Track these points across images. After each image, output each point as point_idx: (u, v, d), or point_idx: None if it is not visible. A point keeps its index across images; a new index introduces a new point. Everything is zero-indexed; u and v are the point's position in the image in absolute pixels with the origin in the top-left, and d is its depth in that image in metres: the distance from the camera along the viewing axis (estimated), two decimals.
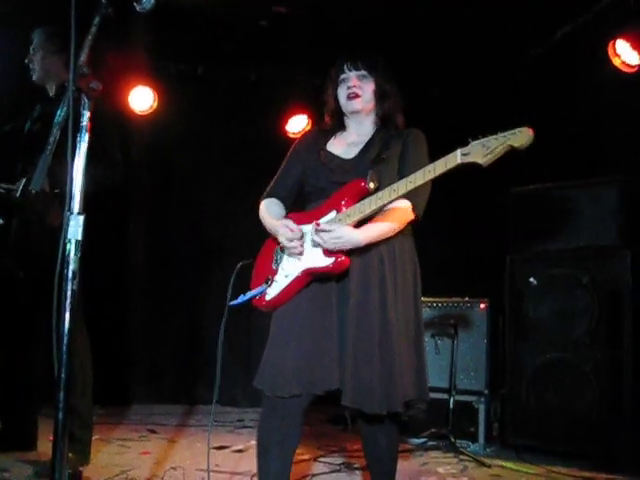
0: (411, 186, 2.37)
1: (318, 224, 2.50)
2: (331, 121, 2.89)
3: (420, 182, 2.35)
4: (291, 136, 6.25)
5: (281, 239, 2.61)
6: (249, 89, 6.34)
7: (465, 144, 2.25)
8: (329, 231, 2.45)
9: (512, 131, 2.18)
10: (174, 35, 5.57)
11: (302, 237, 2.58)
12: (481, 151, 2.21)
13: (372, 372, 2.45)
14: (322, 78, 2.94)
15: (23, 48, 3.81)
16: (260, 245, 2.81)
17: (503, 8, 4.92)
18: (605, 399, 4.02)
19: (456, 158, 2.26)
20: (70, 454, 3.45)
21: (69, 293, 1.89)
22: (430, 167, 2.33)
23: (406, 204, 2.57)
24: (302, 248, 2.57)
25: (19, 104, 3.98)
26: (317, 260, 2.51)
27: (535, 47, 5.45)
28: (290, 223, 2.61)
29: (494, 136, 2.21)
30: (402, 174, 2.53)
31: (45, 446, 3.72)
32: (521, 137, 2.16)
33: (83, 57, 2.01)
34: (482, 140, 2.23)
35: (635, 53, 4.53)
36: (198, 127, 6.35)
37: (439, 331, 4.86)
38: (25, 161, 3.61)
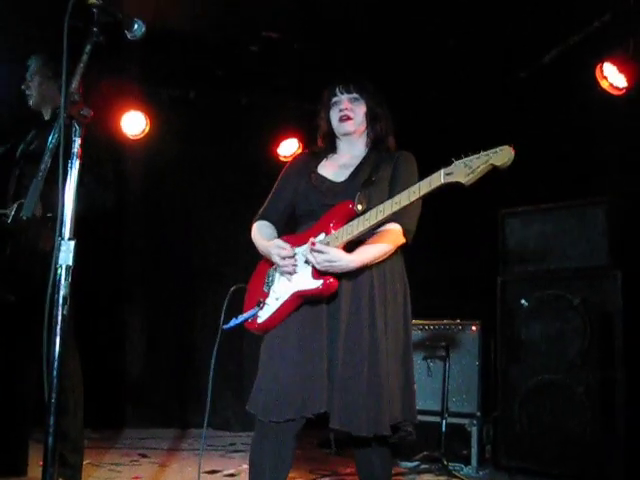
0: (397, 207, 2.37)
1: (314, 243, 2.50)
2: (323, 143, 2.92)
3: (405, 202, 2.35)
4: (282, 159, 6.29)
5: (274, 258, 2.61)
6: (240, 113, 6.38)
7: (449, 164, 2.25)
8: (324, 253, 2.46)
9: (494, 150, 2.17)
10: (166, 60, 5.62)
11: (294, 256, 2.59)
12: (463, 170, 2.20)
13: (359, 395, 2.45)
14: (312, 102, 2.97)
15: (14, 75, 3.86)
16: (253, 268, 2.82)
17: (492, 31, 4.99)
18: (598, 420, 4.02)
19: (440, 178, 2.26)
20: (61, 479, 3.43)
21: (59, 318, 1.89)
22: (415, 187, 2.33)
23: (397, 228, 2.59)
24: (295, 266, 2.57)
25: (15, 130, 4.00)
26: (306, 282, 2.52)
27: (524, 70, 5.51)
28: (282, 242, 2.62)
29: (476, 155, 2.20)
30: (392, 196, 2.55)
31: (36, 471, 3.69)
32: (502, 155, 2.15)
33: (75, 84, 2.03)
34: (464, 159, 2.22)
35: (622, 76, 4.58)
36: (190, 151, 6.38)
37: (431, 353, 4.85)
38: (18, 184, 3.62)
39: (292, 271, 2.57)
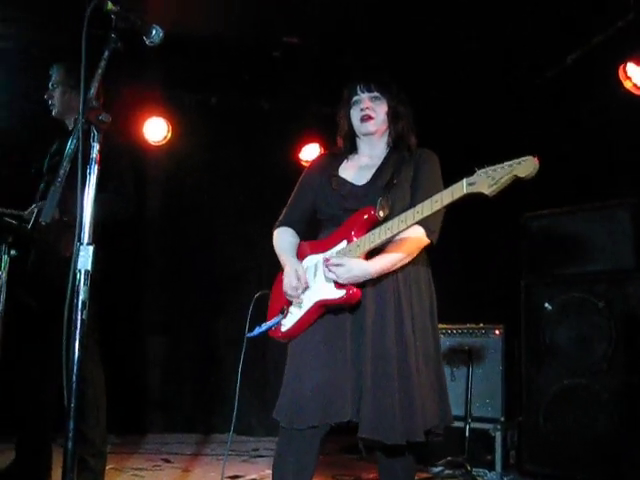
0: (419, 216, 2.34)
1: (328, 260, 2.50)
2: (343, 143, 2.88)
3: (428, 212, 2.32)
4: (304, 164, 6.29)
5: (285, 283, 2.62)
6: (262, 118, 6.39)
7: (472, 172, 2.21)
8: (339, 265, 2.45)
9: (517, 160, 2.12)
10: (187, 66, 5.65)
11: (305, 289, 2.59)
12: (486, 181, 2.15)
13: (391, 402, 2.42)
14: (334, 107, 2.95)
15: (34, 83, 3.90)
16: (276, 274, 2.80)
17: (514, 32, 4.96)
18: (623, 425, 3.96)
19: (462, 188, 2.22)
20: None
21: (79, 323, 1.90)
22: (437, 197, 2.29)
23: (419, 232, 2.56)
24: (300, 300, 2.58)
25: (39, 141, 4.03)
26: (329, 292, 2.51)
27: (546, 71, 5.47)
28: (301, 271, 2.61)
29: (500, 165, 2.15)
30: (414, 199, 2.53)
31: (59, 476, 3.70)
32: (526, 167, 2.09)
33: (93, 90, 2.04)
34: (487, 169, 2.17)
35: None
36: (212, 156, 6.40)
37: (454, 358, 4.82)
38: (42, 194, 3.65)
39: (298, 302, 2.59)
